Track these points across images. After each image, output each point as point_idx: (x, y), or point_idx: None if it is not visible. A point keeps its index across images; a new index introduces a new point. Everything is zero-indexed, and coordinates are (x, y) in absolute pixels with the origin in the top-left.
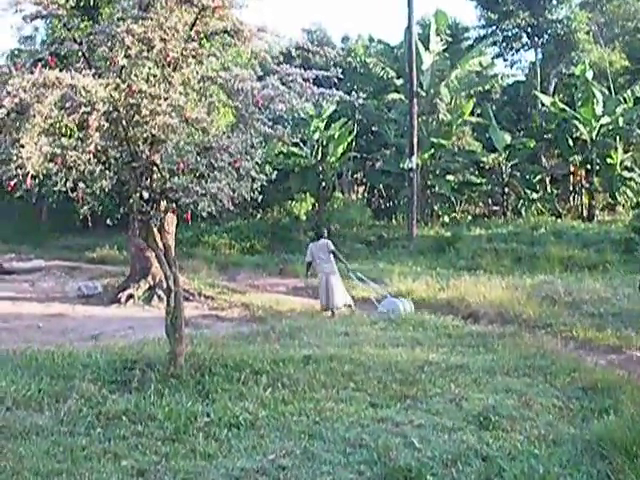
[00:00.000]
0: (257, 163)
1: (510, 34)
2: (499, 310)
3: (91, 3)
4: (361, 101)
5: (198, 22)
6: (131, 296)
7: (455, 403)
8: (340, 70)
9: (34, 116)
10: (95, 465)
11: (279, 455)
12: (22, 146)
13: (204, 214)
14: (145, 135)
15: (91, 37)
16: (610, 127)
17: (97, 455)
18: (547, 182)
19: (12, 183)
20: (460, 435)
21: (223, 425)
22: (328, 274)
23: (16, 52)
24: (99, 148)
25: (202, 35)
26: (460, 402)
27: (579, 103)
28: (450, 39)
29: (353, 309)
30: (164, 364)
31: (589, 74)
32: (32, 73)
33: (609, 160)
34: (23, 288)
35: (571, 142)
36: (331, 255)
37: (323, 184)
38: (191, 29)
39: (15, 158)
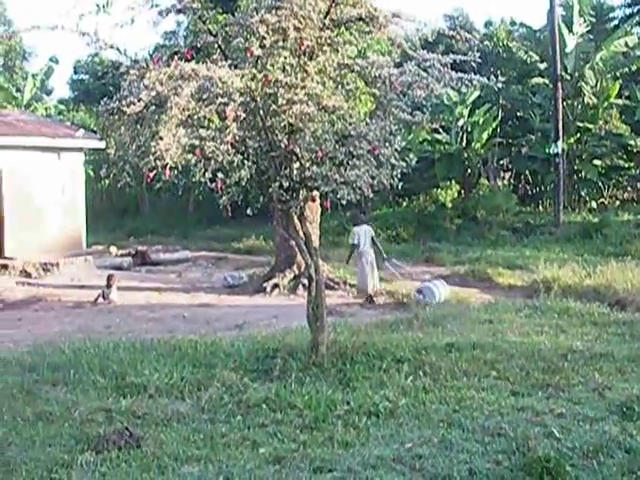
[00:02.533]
0: (396, 150)
1: None
2: None
3: None
4: (500, 85)
5: (332, 9)
6: (276, 285)
7: (598, 392)
8: (481, 55)
9: (171, 108)
10: (233, 452)
11: (416, 444)
12: (161, 138)
13: (344, 202)
14: (283, 124)
15: (226, 29)
16: None
17: (236, 442)
18: None
19: (151, 175)
20: (602, 425)
21: (362, 413)
22: (372, 258)
23: (159, 47)
24: (237, 138)
25: (337, 23)
26: (603, 391)
27: None
28: (594, 20)
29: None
30: (306, 352)
31: None
32: (169, 66)
33: None
34: (170, 279)
35: None
36: (370, 241)
37: (468, 171)
38: (325, 17)
39: (154, 150)
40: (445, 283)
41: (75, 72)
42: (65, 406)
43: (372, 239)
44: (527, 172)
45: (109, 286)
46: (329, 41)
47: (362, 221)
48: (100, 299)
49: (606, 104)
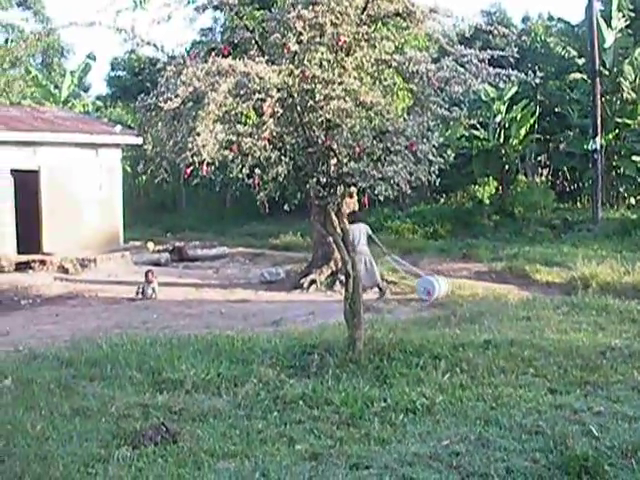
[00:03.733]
0: (434, 146)
1: None
2: None
3: None
4: (538, 80)
5: (369, 5)
6: (313, 281)
7: (637, 390)
8: (518, 50)
9: (208, 104)
10: (270, 448)
11: (453, 441)
12: (198, 134)
13: (381, 198)
14: (320, 120)
15: (263, 24)
16: None
17: (272, 439)
18: None
19: (188, 170)
20: None
21: (399, 410)
22: (368, 256)
23: (196, 43)
24: (274, 134)
25: (374, 18)
26: None
27: None
28: (633, 14)
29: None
30: (343, 349)
31: None
32: (206, 62)
33: None
34: (207, 275)
35: None
36: (367, 239)
37: (506, 167)
38: (362, 12)
39: (191, 146)
40: (444, 278)
41: (112, 69)
42: (102, 401)
43: (370, 237)
44: (565, 168)
45: (149, 282)
46: (366, 37)
47: (359, 220)
48: (139, 294)
49: None
